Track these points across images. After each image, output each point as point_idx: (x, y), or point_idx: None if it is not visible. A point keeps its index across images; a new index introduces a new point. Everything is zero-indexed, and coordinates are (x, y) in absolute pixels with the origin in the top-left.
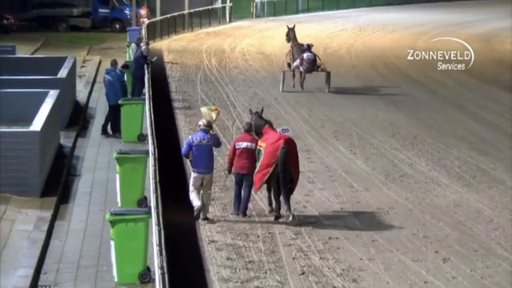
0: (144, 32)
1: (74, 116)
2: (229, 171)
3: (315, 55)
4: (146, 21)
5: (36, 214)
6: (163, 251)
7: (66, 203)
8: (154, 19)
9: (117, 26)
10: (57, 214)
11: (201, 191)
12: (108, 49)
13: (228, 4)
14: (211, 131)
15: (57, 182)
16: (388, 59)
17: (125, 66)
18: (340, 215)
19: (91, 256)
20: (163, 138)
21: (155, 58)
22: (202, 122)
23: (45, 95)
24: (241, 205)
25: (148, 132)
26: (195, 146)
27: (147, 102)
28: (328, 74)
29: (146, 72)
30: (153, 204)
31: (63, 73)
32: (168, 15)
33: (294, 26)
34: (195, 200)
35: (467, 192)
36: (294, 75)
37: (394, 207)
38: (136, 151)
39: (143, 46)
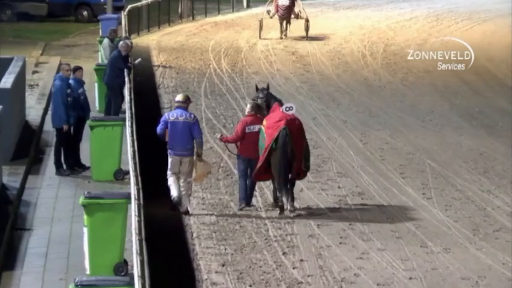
0: (123, 21)
1: (23, 144)
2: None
3: (292, 1)
4: None
5: None
6: None
7: (11, 270)
8: (138, 3)
9: (85, 13)
10: None
11: (181, 180)
12: (71, 47)
13: None
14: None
15: None
16: (477, 62)
17: (77, 69)
18: (409, 287)
19: None
20: (150, 175)
21: (139, 60)
22: (179, 98)
23: None
24: (247, 193)
25: (130, 167)
26: (171, 123)
27: (127, 123)
28: (307, 21)
29: (126, 80)
30: (136, 271)
31: (7, 82)
32: None
33: None
34: (173, 189)
35: None
36: (285, 26)
37: (486, 276)
38: (112, 195)
39: (121, 41)
